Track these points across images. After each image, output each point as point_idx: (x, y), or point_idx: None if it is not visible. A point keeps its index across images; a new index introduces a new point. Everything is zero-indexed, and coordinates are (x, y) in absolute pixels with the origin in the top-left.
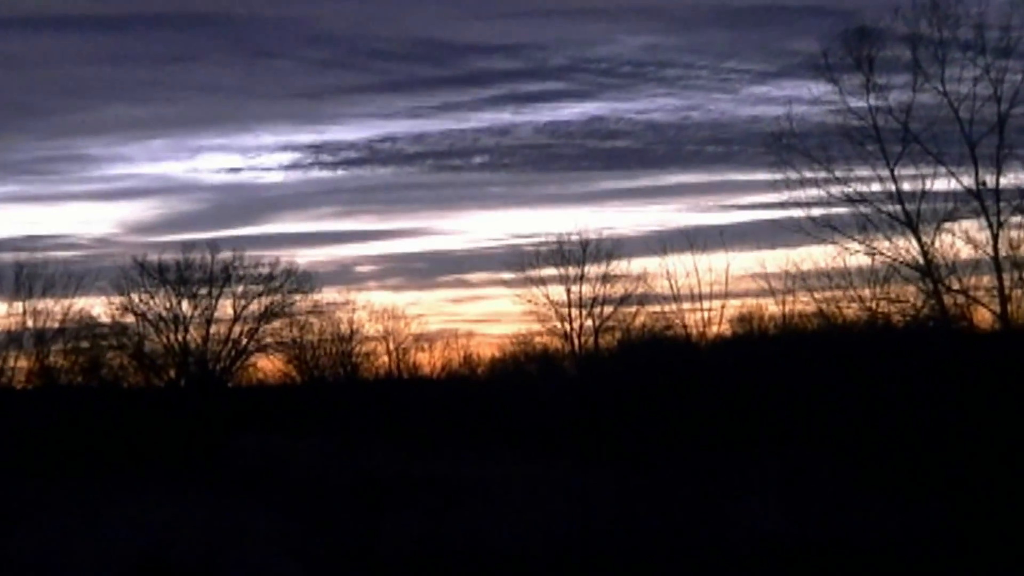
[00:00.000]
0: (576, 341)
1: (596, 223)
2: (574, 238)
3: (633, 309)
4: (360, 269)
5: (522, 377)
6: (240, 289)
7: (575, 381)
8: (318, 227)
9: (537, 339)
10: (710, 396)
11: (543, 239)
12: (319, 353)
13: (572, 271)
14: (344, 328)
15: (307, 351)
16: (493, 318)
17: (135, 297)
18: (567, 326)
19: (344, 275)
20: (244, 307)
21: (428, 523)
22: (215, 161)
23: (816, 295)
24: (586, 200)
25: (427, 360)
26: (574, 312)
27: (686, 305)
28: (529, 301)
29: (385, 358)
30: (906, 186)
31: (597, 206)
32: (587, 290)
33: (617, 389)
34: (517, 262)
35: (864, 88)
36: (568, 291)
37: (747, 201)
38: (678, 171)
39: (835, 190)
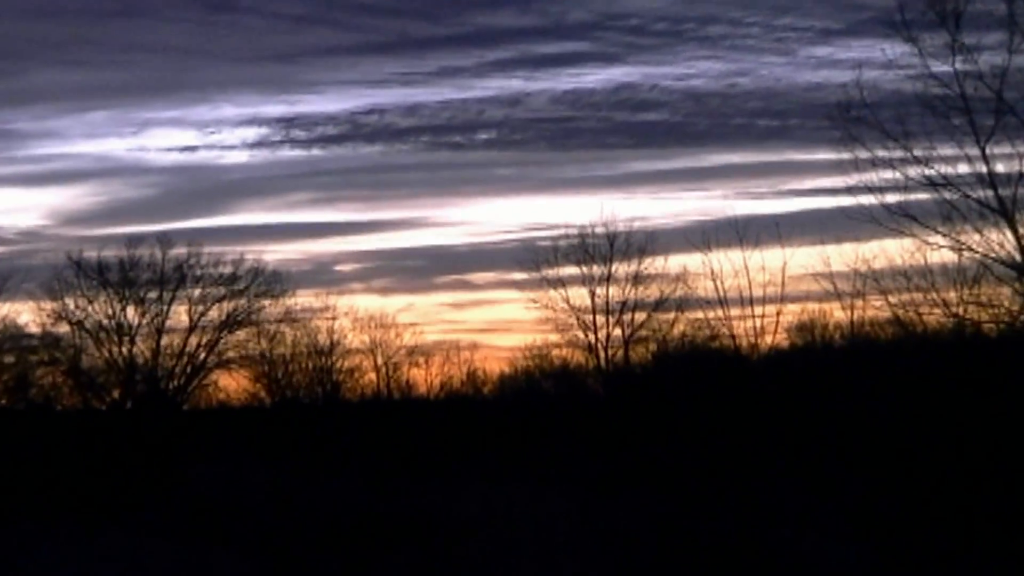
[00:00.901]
0: (602, 354)
1: (626, 212)
2: (599, 230)
3: (671, 316)
4: (341, 268)
5: (537, 397)
6: (197, 292)
7: (601, 402)
8: (291, 217)
9: (555, 352)
10: (764, 419)
11: (562, 232)
12: (292, 369)
13: (597, 270)
14: (323, 339)
15: (278, 367)
16: (502, 327)
17: (70, 302)
18: (591, 336)
19: (322, 275)
20: (202, 314)
21: (421, 570)
22: (166, 138)
23: (891, 298)
24: (613, 185)
25: (423, 378)
26: (599, 320)
27: (734, 311)
28: (546, 307)
29: (372, 375)
30: (1000, 167)
31: (627, 192)
32: (615, 293)
33: (651, 411)
34: (531, 259)
35: (949, 49)
36: (592, 294)
37: (807, 185)
38: (723, 149)
39: (914, 172)
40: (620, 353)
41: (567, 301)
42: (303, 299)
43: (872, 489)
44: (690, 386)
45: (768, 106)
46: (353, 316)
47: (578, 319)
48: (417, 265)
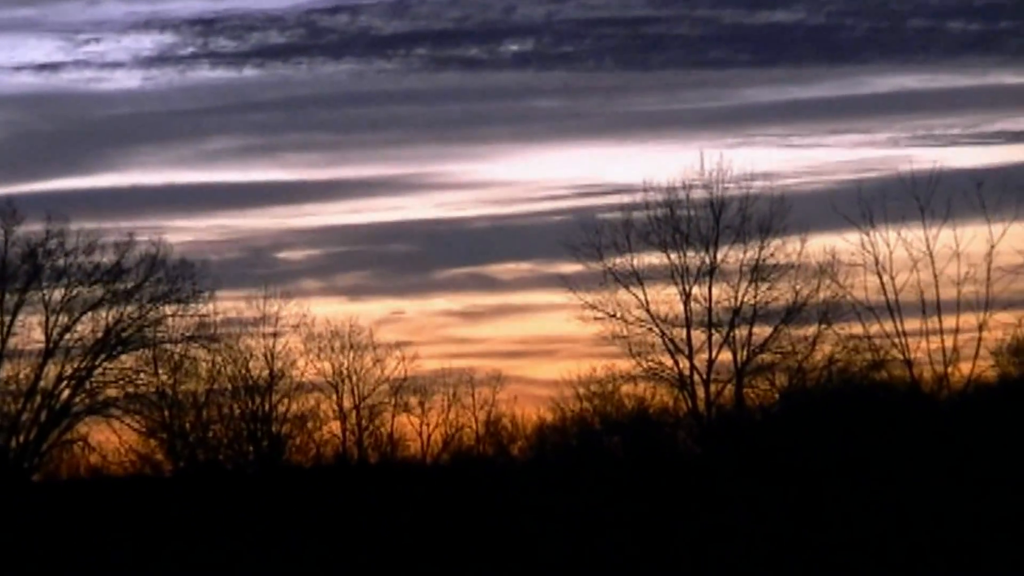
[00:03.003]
0: (701, 392)
1: (737, 164)
2: (697, 196)
3: (810, 331)
4: (288, 256)
5: (597, 460)
6: (58, 294)
7: (698, 467)
8: (208, 176)
9: (625, 389)
10: (962, 495)
11: (638, 198)
12: (209, 418)
13: (694, 259)
14: (257, 370)
15: (185, 414)
16: (541, 349)
17: None
18: (683, 364)
19: (258, 268)
20: (67, 328)
21: None
22: (13, 50)
23: None
24: (720, 124)
25: (416, 430)
26: (697, 337)
27: (911, 323)
28: (611, 316)
29: (335, 426)
30: None
31: (741, 134)
32: (722, 295)
33: (778, 482)
34: (588, 242)
35: None
36: (686, 296)
37: None
38: (890, 69)
39: None
40: (729, 390)
41: (645, 308)
42: (227, 305)
43: None
44: (841, 442)
45: (965, 1)
46: (306, 332)
47: (663, 336)
48: (408, 251)
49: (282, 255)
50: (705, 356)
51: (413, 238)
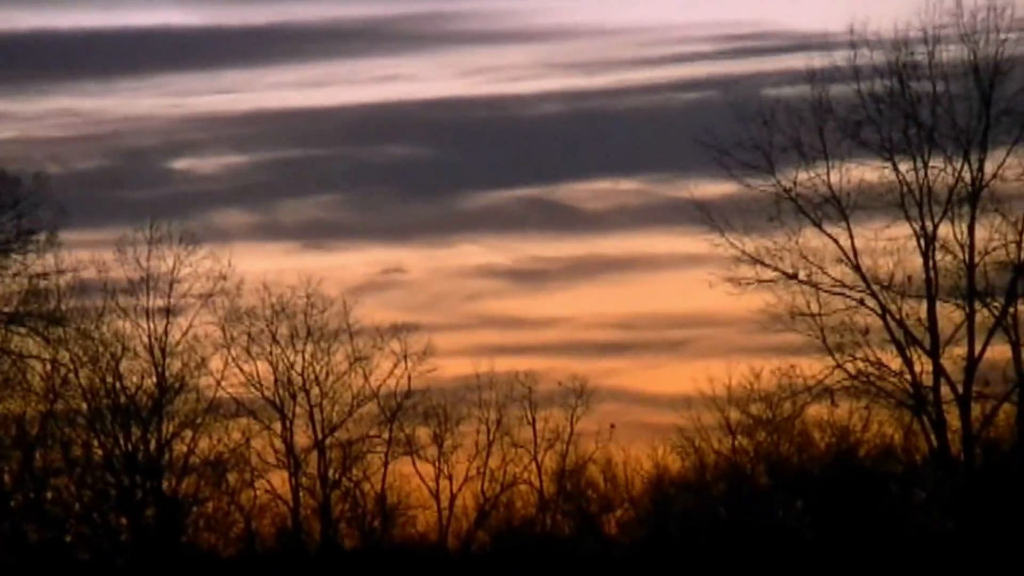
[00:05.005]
0: (955, 416)
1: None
2: (949, 53)
3: None
4: (188, 166)
5: (763, 548)
6: None
7: (957, 557)
8: (40, 19)
9: (814, 412)
10: None
11: (835, 56)
12: (47, 466)
13: (941, 171)
14: (136, 377)
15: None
16: (656, 337)
17: None
18: (922, 364)
19: (137, 185)
20: None
21: None
22: None
23: None
24: None
25: (428, 489)
26: (946, 315)
27: None
28: (788, 277)
29: (280, 483)
30: None
31: None
32: (994, 236)
33: None
34: (741, 139)
35: None
36: (927, 242)
37: None
38: None
39: None
40: (1009, 414)
41: (851, 263)
42: (79, 256)
43: None
44: None
45: None
46: (225, 307)
47: (885, 316)
48: (408, 158)
49: (178, 164)
50: (962, 351)
51: (418, 133)
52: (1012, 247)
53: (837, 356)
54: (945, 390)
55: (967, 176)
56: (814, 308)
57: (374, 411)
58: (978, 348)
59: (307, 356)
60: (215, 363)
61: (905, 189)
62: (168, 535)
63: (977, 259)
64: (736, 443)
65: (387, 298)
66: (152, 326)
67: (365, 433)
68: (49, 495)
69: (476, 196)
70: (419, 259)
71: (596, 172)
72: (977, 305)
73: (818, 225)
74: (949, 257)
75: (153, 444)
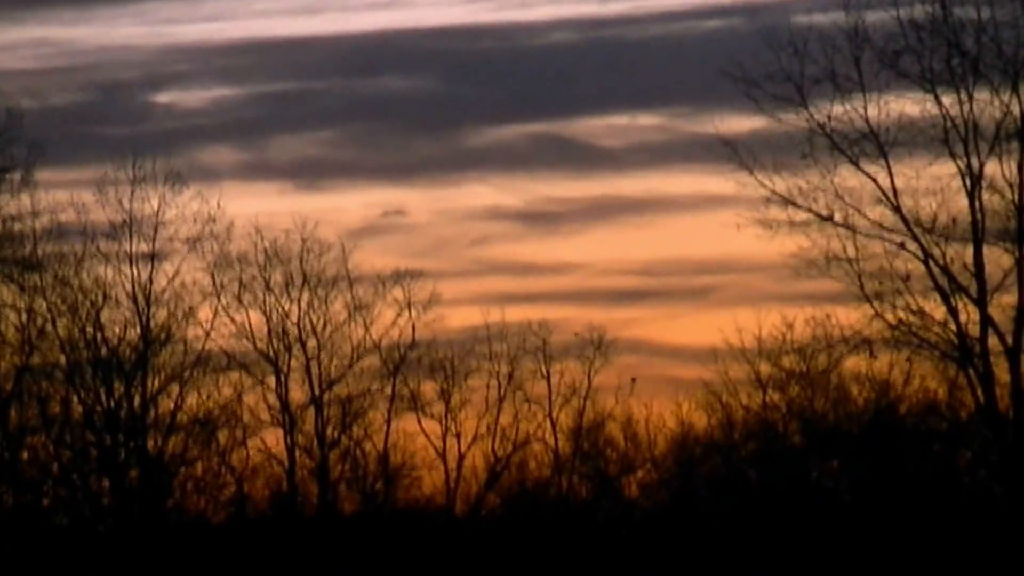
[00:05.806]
0: (1004, 370)
1: None
2: None
3: None
4: (173, 100)
5: (795, 512)
6: None
7: (1007, 525)
8: None
9: (852, 365)
10: None
11: None
12: (23, 423)
13: (988, 104)
14: (118, 328)
15: None
16: (678, 284)
17: None
18: (968, 314)
19: (116, 119)
20: None
21: None
22: None
23: None
24: None
25: (434, 449)
26: (995, 260)
27: None
28: (822, 219)
29: (275, 442)
30: None
31: None
32: None
33: None
34: (771, 69)
35: None
36: (973, 182)
37: None
38: None
39: None
40: None
41: (892, 203)
42: (56, 198)
43: None
44: None
45: None
46: (214, 252)
47: (927, 261)
48: (412, 90)
49: (162, 98)
50: (1011, 299)
51: (420, 64)
52: None
53: (876, 304)
54: (993, 341)
55: (1015, 110)
56: (851, 252)
57: (375, 364)
58: None
59: (303, 305)
60: (204, 313)
61: (948, 124)
62: (153, 498)
63: None
64: (767, 399)
65: (388, 242)
66: (135, 272)
67: (366, 388)
68: (25, 455)
69: (483, 132)
70: (422, 200)
71: (613, 106)
72: None
73: (855, 163)
74: (997, 197)
75: (137, 400)
